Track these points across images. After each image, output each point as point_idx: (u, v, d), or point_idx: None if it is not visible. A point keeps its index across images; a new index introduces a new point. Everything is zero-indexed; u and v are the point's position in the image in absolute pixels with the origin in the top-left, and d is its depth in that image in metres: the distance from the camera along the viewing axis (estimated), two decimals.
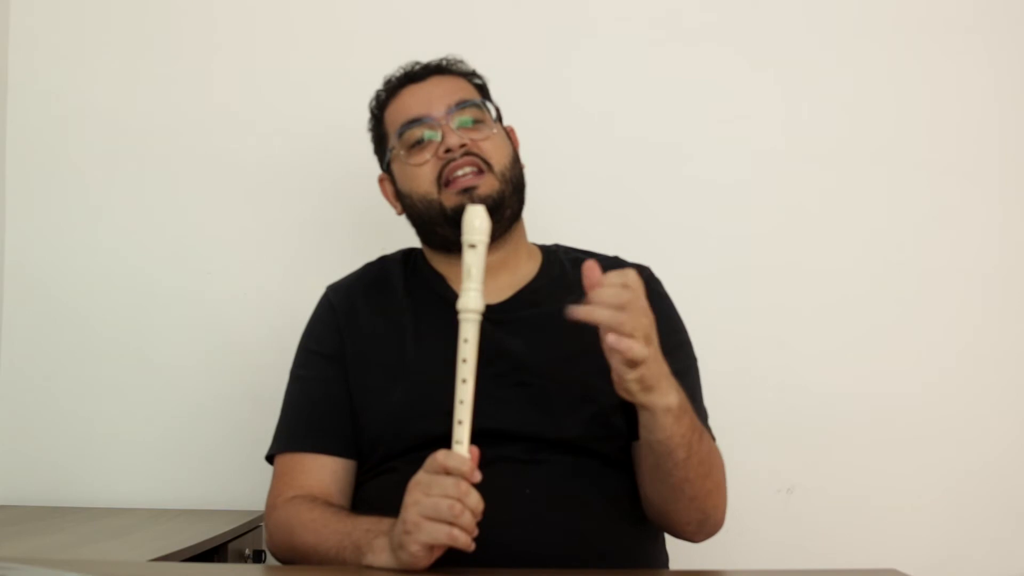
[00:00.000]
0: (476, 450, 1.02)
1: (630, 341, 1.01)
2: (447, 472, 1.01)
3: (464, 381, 1.02)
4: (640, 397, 1.06)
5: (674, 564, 1.31)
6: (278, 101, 1.89)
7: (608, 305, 1.01)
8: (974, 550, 1.82)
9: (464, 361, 1.03)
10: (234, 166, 1.89)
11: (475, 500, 1.00)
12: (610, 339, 1.01)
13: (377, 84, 1.43)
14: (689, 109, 1.88)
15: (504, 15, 1.89)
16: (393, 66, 1.41)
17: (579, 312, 1.01)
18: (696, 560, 1.31)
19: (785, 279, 1.86)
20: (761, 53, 1.89)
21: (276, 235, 1.88)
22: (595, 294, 1.02)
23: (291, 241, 1.87)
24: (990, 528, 1.82)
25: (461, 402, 1.02)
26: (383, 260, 1.43)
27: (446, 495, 1.00)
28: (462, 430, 1.02)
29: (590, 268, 1.03)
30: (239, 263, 1.88)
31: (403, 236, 1.44)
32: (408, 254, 1.42)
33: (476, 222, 1.05)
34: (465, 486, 1.00)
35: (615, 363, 1.03)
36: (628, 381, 1.04)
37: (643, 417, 1.10)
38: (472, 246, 1.05)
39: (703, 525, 1.22)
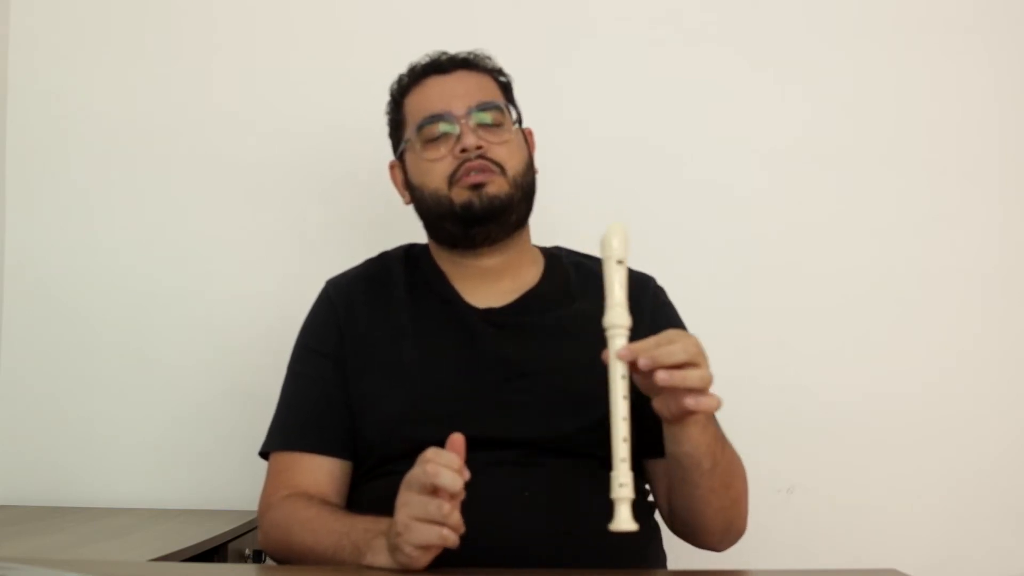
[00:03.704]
0: (461, 438, 1.00)
1: (708, 399, 1.02)
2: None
3: (625, 397, 1.00)
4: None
5: (673, 564, 1.31)
6: (278, 101, 1.89)
7: (681, 361, 1.01)
8: (974, 550, 1.81)
9: (623, 377, 1.01)
10: (234, 166, 1.89)
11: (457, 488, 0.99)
12: (689, 403, 1.02)
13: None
14: (689, 109, 1.88)
15: (504, 15, 1.89)
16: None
17: (673, 380, 1.01)
18: (696, 560, 1.31)
19: (785, 280, 1.86)
20: (761, 53, 1.89)
21: (276, 235, 1.88)
22: (662, 356, 1.00)
23: (291, 241, 1.87)
24: (990, 528, 1.82)
25: (624, 440, 1.00)
26: (383, 257, 1.42)
27: (422, 501, 0.99)
28: (626, 448, 0.99)
29: (630, 354, 1.01)
30: (239, 263, 1.88)
31: (403, 236, 1.44)
32: (409, 250, 1.42)
33: (615, 241, 1.06)
34: (433, 468, 0.99)
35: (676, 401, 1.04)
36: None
37: (670, 430, 1.11)
38: (619, 262, 1.05)
39: (727, 534, 1.23)
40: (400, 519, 1.01)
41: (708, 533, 1.22)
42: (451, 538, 0.99)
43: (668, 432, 1.11)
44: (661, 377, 1.00)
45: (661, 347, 1.01)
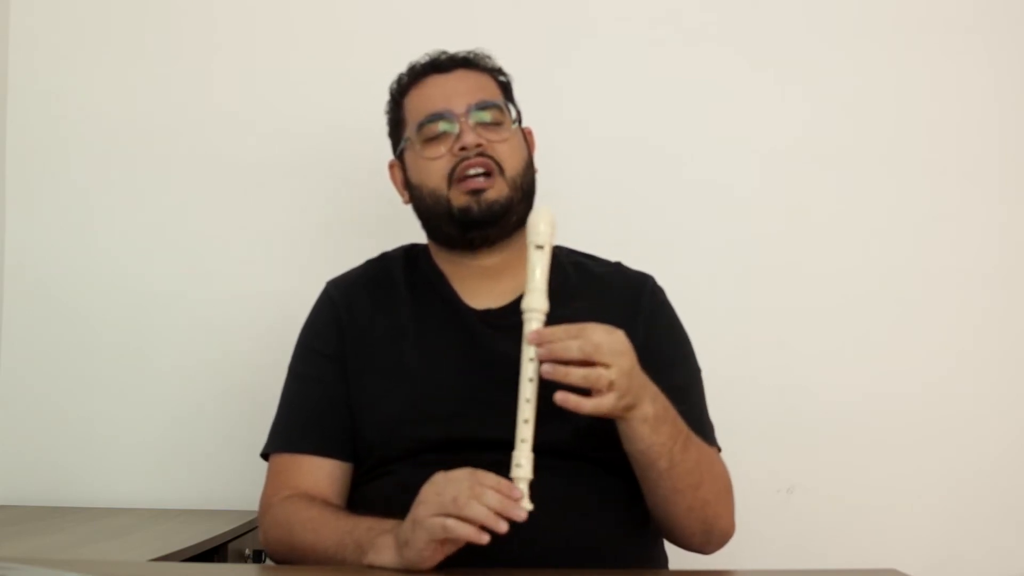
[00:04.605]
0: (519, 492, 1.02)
1: (576, 399, 1.03)
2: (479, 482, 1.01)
3: (531, 380, 1.03)
4: (617, 412, 1.07)
5: (674, 564, 1.31)
6: (278, 101, 1.89)
7: (572, 358, 1.02)
8: (974, 550, 1.82)
9: (531, 360, 1.03)
10: (234, 166, 1.89)
11: (490, 499, 0.99)
12: (556, 397, 1.02)
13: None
14: (689, 109, 1.88)
15: (504, 15, 1.89)
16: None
17: (555, 374, 1.02)
18: (696, 560, 1.31)
19: (785, 280, 1.86)
20: (761, 53, 1.89)
21: (275, 235, 1.88)
22: (555, 350, 1.02)
23: (291, 241, 1.87)
24: (990, 528, 1.82)
25: (525, 421, 1.02)
26: (384, 258, 1.42)
27: (458, 492, 1.00)
28: (527, 429, 1.02)
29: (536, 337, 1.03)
30: (239, 263, 1.88)
31: (403, 237, 1.44)
32: (409, 251, 1.42)
33: (541, 226, 1.06)
34: (479, 489, 0.99)
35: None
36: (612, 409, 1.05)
37: (620, 428, 1.11)
38: (539, 247, 1.06)
39: (708, 536, 1.22)
40: (416, 514, 1.01)
41: (685, 534, 1.21)
42: (459, 529, 0.98)
43: (620, 430, 1.11)
44: (544, 370, 1.02)
45: (563, 340, 1.02)
